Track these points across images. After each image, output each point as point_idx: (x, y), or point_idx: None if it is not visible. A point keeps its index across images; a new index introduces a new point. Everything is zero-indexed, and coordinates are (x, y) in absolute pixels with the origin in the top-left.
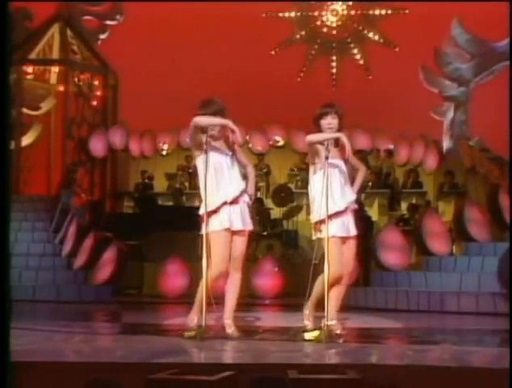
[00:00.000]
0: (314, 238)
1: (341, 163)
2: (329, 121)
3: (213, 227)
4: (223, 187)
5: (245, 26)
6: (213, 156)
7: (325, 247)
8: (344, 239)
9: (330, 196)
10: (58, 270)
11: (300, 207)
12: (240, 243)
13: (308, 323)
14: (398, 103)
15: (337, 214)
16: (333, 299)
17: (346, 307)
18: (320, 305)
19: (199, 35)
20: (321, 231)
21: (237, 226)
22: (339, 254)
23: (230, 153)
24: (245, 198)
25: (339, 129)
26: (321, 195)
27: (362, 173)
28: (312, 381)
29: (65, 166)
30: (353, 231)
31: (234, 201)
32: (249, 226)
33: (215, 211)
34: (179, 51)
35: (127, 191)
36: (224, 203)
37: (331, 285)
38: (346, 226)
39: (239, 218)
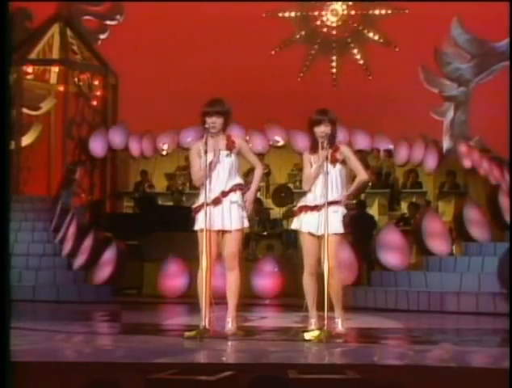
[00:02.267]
0: None
1: (329, 166)
2: (322, 129)
3: (195, 226)
4: (204, 188)
5: (245, 26)
6: (206, 156)
7: (302, 242)
8: (317, 235)
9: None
10: (58, 270)
11: None
12: (227, 243)
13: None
14: (398, 102)
15: (303, 209)
16: (332, 296)
17: (346, 307)
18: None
19: (198, 35)
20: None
21: (218, 227)
22: (307, 247)
23: (226, 152)
24: (233, 198)
25: (333, 135)
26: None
27: (358, 179)
28: (312, 381)
29: (65, 166)
30: (329, 229)
31: (216, 202)
32: (235, 226)
33: (197, 210)
34: (179, 51)
35: (127, 191)
36: (203, 204)
37: (313, 279)
38: (315, 223)
39: (220, 219)
